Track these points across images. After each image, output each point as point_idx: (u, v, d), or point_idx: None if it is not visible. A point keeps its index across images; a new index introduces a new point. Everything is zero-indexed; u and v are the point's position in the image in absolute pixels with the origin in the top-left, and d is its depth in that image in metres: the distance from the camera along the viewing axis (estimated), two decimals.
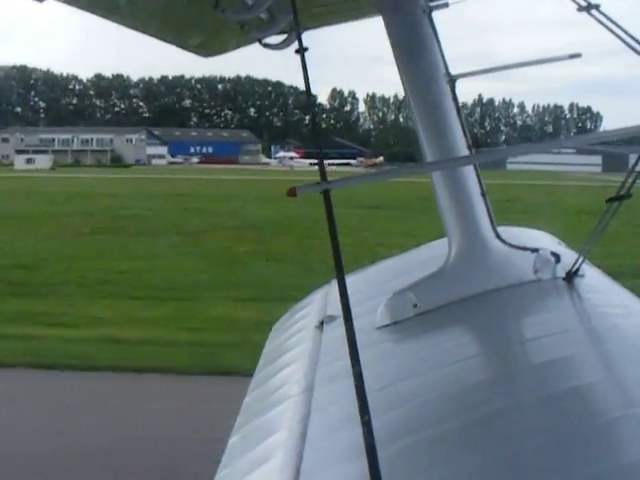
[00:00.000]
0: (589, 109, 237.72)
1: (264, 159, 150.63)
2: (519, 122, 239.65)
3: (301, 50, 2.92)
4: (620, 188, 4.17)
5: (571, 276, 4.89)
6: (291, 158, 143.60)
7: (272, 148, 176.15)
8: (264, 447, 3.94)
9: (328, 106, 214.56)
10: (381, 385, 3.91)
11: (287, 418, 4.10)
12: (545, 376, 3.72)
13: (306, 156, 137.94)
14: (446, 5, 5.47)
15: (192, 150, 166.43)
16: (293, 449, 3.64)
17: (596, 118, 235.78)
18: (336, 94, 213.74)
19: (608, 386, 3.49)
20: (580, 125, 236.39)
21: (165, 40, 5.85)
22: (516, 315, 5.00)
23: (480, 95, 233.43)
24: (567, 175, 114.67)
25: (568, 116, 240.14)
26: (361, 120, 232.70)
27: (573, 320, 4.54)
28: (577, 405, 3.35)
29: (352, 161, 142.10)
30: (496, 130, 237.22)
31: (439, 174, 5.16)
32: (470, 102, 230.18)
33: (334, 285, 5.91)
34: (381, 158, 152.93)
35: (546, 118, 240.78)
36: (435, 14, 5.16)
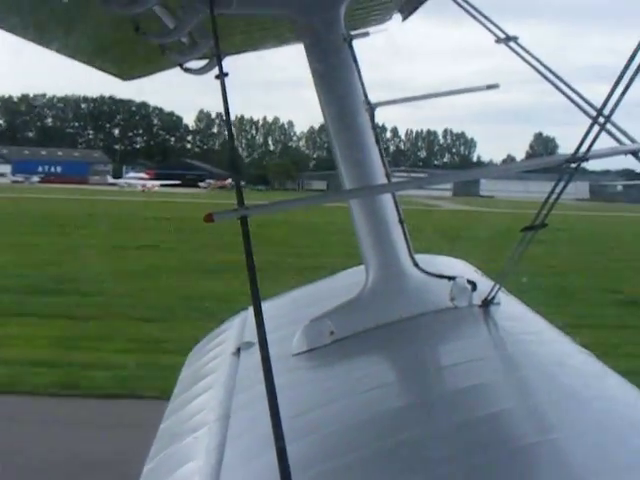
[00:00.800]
0: (463, 134, 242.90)
1: (110, 179, 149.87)
2: (392, 147, 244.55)
3: (221, 75, 2.92)
4: (536, 217, 4.24)
5: (487, 304, 4.94)
6: (141, 179, 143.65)
7: (124, 169, 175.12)
8: (180, 474, 3.88)
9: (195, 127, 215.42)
10: (297, 412, 3.88)
11: (203, 445, 4.04)
12: (460, 403, 3.74)
13: (157, 177, 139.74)
14: (367, 34, 5.52)
15: (40, 169, 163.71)
16: (209, 476, 3.59)
17: (470, 144, 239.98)
18: (203, 116, 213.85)
19: (522, 413, 3.52)
20: (454, 150, 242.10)
21: (83, 62, 5.79)
22: (432, 342, 5.02)
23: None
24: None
25: (442, 141, 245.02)
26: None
27: (488, 347, 4.59)
28: (492, 431, 3.38)
29: (201, 183, 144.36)
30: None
31: (357, 201, 5.18)
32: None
33: (251, 311, 5.89)
34: (230, 180, 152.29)
35: (419, 143, 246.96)
36: (355, 43, 5.20)
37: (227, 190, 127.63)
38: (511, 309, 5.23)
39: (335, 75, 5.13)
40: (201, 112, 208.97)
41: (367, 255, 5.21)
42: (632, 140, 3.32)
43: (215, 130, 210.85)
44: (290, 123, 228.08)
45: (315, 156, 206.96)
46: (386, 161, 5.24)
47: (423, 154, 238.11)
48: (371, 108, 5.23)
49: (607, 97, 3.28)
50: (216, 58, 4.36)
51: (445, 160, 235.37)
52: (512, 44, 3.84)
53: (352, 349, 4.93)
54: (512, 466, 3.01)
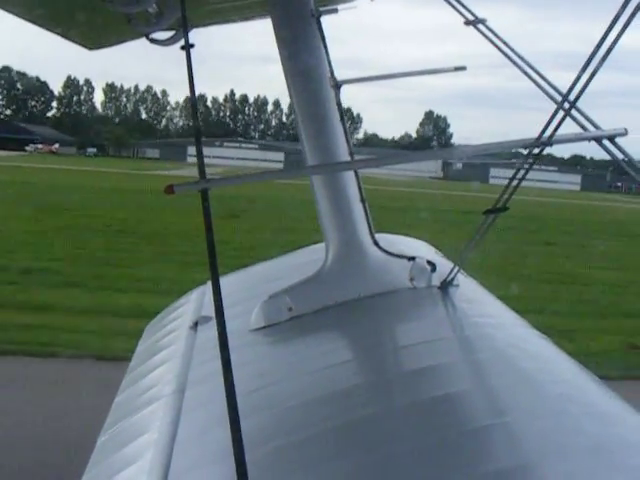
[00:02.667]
0: (349, 110, 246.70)
1: None
2: (274, 120, 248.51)
3: (187, 47, 2.90)
4: (497, 201, 4.25)
5: (446, 285, 4.97)
6: None
7: None
8: (133, 447, 3.87)
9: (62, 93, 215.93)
10: (252, 388, 3.89)
11: (157, 418, 4.04)
12: (415, 383, 3.77)
13: None
14: (335, 11, 5.50)
15: None
16: (162, 450, 3.59)
17: (357, 120, 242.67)
18: (70, 82, 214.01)
19: (476, 395, 3.55)
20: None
21: (49, 29, 5.71)
22: (390, 322, 5.05)
23: (232, 90, 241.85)
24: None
25: None
26: (99, 109, 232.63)
27: (445, 328, 4.61)
28: (446, 412, 3.40)
29: (27, 147, 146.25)
30: (247, 126, 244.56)
31: (319, 178, 5.18)
32: (222, 97, 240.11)
33: (209, 285, 5.88)
34: (57, 145, 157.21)
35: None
36: (323, 19, 5.18)
37: (56, 155, 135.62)
38: (469, 291, 5.27)
39: (302, 51, 5.11)
40: (69, 78, 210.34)
41: (327, 232, 5.21)
42: (596, 127, 3.34)
43: (82, 97, 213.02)
44: (164, 92, 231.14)
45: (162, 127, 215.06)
46: (350, 139, 5.23)
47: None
48: (337, 85, 5.22)
49: (573, 83, 3.30)
50: (182, 29, 4.32)
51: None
52: (480, 26, 3.84)
53: (310, 326, 4.94)
54: (465, 447, 3.04)
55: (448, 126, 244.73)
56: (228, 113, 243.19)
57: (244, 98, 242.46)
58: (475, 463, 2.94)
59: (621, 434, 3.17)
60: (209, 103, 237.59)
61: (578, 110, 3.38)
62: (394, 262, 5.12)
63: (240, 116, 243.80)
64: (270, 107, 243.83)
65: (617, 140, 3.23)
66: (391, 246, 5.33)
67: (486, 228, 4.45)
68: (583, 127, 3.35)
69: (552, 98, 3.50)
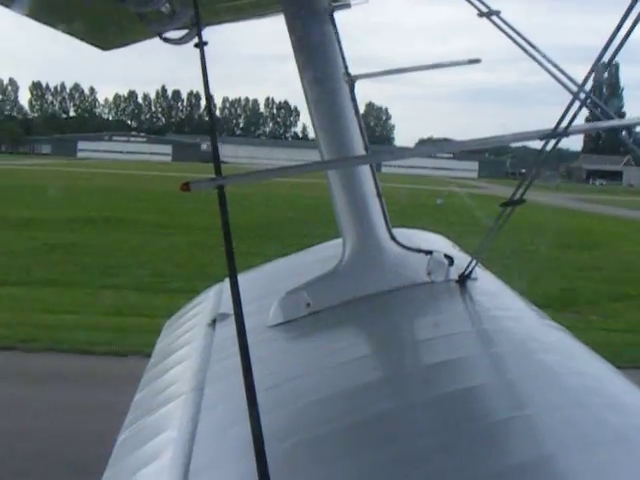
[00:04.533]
0: (286, 103, 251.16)
1: None
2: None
3: (201, 45, 2.89)
4: (514, 193, 4.24)
5: (464, 279, 4.96)
6: None
7: None
8: (153, 445, 3.88)
9: None
10: (271, 384, 3.89)
11: (177, 416, 4.05)
12: (435, 377, 3.76)
13: None
14: (348, 6, 5.49)
15: None
16: (182, 447, 3.60)
17: (293, 112, 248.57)
18: None
19: (496, 388, 3.54)
20: (279, 119, 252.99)
21: (63, 31, 5.73)
22: (408, 316, 5.04)
23: (164, 86, 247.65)
24: None
25: (262, 110, 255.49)
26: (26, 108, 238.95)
27: (464, 322, 4.61)
28: (467, 406, 3.39)
29: None
30: (181, 122, 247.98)
31: (335, 173, 5.17)
32: (185, 95, 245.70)
33: (227, 283, 5.88)
34: None
35: (238, 111, 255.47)
36: (337, 14, 5.18)
37: None
38: (487, 285, 5.26)
39: (316, 46, 5.11)
40: None
41: (344, 228, 5.21)
42: (611, 117, 3.33)
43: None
44: (92, 89, 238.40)
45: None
46: (365, 133, 5.23)
47: (239, 121, 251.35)
48: (351, 80, 5.22)
49: (588, 73, 3.29)
50: (196, 28, 4.33)
51: (267, 129, 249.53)
52: (494, 18, 3.83)
53: (328, 322, 4.94)
54: (486, 441, 3.03)
55: (389, 117, 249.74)
56: (160, 109, 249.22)
57: (176, 94, 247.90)
58: (497, 456, 2.94)
59: None
60: (140, 100, 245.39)
61: (594, 100, 3.37)
62: (411, 256, 5.11)
63: (174, 112, 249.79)
64: (203, 102, 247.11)
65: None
66: (408, 240, 5.32)
67: (503, 221, 4.44)
68: (599, 117, 3.35)
69: (568, 89, 3.48)
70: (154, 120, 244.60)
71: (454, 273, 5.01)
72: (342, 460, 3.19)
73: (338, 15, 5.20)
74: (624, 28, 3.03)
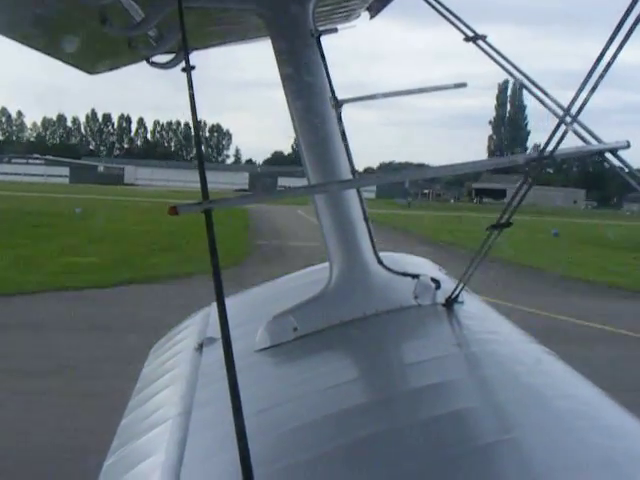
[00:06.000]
0: (219, 126, 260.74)
1: None
2: (139, 141, 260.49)
3: (188, 69, 2.91)
4: (501, 216, 4.25)
5: (450, 302, 4.96)
6: None
7: None
8: (140, 470, 3.86)
9: None
10: (259, 408, 3.88)
11: (164, 441, 4.02)
12: (422, 400, 3.76)
13: None
14: (335, 30, 5.52)
15: None
16: (170, 472, 3.57)
17: (225, 135, 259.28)
18: None
19: (484, 411, 3.54)
20: (212, 141, 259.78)
21: (50, 54, 5.74)
22: (396, 340, 5.04)
23: (93, 109, 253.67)
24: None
25: (181, 131, 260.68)
26: None
27: (451, 345, 4.60)
28: (455, 429, 3.39)
29: None
30: (112, 145, 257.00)
31: (322, 197, 5.18)
32: (83, 118, 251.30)
33: (214, 307, 5.86)
34: None
35: (165, 134, 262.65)
36: (323, 39, 5.20)
37: None
38: (474, 308, 5.26)
39: (302, 70, 5.13)
40: None
41: (331, 252, 5.21)
42: (598, 140, 3.34)
43: None
44: (19, 113, 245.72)
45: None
46: (352, 158, 5.24)
47: (171, 145, 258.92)
48: (338, 104, 5.23)
49: (574, 97, 3.30)
50: (183, 52, 4.35)
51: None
52: (481, 43, 3.85)
53: (315, 346, 4.93)
54: (473, 464, 3.03)
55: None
56: (89, 132, 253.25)
57: (107, 117, 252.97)
58: (484, 479, 2.93)
59: (630, 447, 3.16)
60: (69, 123, 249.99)
61: (580, 124, 3.39)
62: (398, 280, 5.12)
63: (104, 135, 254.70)
64: (134, 125, 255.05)
65: (619, 153, 3.23)
66: (395, 264, 5.32)
67: (490, 244, 4.45)
68: (585, 141, 3.36)
69: (554, 113, 3.50)
70: (83, 144, 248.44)
71: (441, 297, 5.02)
72: None
73: (325, 39, 5.22)
74: (610, 51, 3.06)
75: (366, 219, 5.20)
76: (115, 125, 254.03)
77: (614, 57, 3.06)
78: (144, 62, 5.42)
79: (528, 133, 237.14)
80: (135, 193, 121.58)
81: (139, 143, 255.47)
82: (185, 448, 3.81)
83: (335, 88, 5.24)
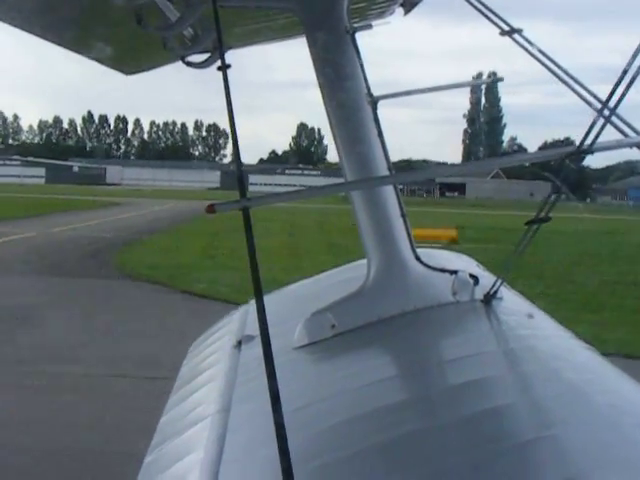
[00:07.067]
0: (216, 126, 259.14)
1: None
2: (136, 141, 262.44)
3: (224, 68, 2.91)
4: (539, 211, 4.23)
5: (489, 298, 4.93)
6: None
7: None
8: (179, 467, 3.88)
9: None
10: (298, 405, 3.89)
11: (203, 438, 4.04)
12: (462, 397, 3.74)
13: None
14: (370, 27, 5.52)
15: None
16: (209, 469, 3.59)
17: (222, 134, 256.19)
18: None
19: (524, 408, 3.52)
20: (212, 141, 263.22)
21: (86, 55, 5.77)
22: (434, 336, 5.03)
23: (90, 111, 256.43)
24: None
25: (191, 133, 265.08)
26: None
27: (490, 342, 4.58)
28: (494, 426, 3.37)
29: None
30: (109, 145, 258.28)
31: (359, 194, 5.18)
32: (79, 120, 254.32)
33: (252, 304, 5.87)
34: None
35: (161, 134, 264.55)
36: (358, 35, 5.20)
37: None
38: (513, 304, 5.23)
39: (338, 68, 5.13)
40: None
41: (369, 248, 5.20)
42: (637, 132, 3.31)
43: None
44: (15, 116, 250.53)
45: None
46: (388, 154, 5.23)
47: (168, 145, 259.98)
48: (374, 101, 5.23)
49: (612, 89, 3.27)
50: (218, 50, 4.36)
51: (197, 152, 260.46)
52: (517, 37, 3.82)
53: (353, 343, 4.93)
54: (514, 462, 3.01)
55: (322, 137, 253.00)
56: (87, 134, 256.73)
57: (104, 118, 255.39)
58: (526, 477, 2.92)
59: None
60: (65, 125, 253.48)
61: (618, 117, 3.36)
62: (436, 276, 5.10)
63: (102, 136, 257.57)
64: (131, 126, 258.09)
65: None
66: (433, 260, 5.31)
67: (528, 239, 4.42)
68: (624, 133, 3.33)
69: (592, 106, 3.47)
70: (80, 145, 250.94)
71: (479, 293, 4.99)
72: None
73: (360, 36, 5.22)
74: None
75: (403, 215, 5.19)
76: (112, 126, 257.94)
77: None
78: (179, 62, 5.45)
79: (504, 126, 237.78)
80: (84, 192, 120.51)
81: (136, 144, 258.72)
82: (224, 445, 3.82)
83: (370, 85, 5.25)
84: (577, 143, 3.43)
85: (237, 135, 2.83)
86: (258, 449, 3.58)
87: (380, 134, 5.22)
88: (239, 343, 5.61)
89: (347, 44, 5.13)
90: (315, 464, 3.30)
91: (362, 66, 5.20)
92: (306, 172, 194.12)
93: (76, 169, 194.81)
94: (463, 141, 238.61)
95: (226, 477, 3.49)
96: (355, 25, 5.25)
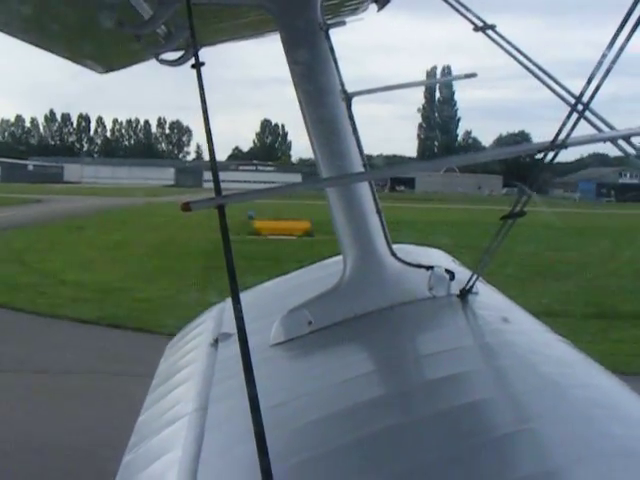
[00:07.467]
0: (179, 123, 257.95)
1: None
2: (99, 140, 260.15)
3: (197, 66, 2.91)
4: (514, 206, 4.24)
5: (465, 293, 4.95)
6: None
7: None
8: (157, 466, 3.87)
9: None
10: (276, 402, 3.89)
11: (181, 437, 4.03)
12: (439, 392, 3.76)
13: None
14: (343, 23, 5.53)
15: None
16: (187, 468, 3.58)
17: (185, 131, 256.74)
18: None
19: (501, 402, 3.54)
20: (176, 138, 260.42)
21: (59, 54, 5.75)
22: (411, 332, 5.04)
23: (52, 110, 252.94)
24: None
25: (154, 130, 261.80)
26: None
27: (467, 336, 4.60)
28: (472, 421, 3.39)
29: None
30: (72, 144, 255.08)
31: (334, 191, 5.18)
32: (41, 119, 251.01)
33: (229, 302, 5.86)
34: None
35: (124, 132, 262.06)
36: (332, 32, 5.20)
37: None
38: (489, 298, 5.26)
39: (312, 64, 5.13)
40: None
41: (345, 245, 5.21)
42: (611, 127, 3.33)
43: None
44: None
45: None
46: (363, 151, 5.24)
47: (131, 143, 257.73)
48: (348, 98, 5.24)
49: (586, 84, 3.29)
50: (192, 48, 4.35)
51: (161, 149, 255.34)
52: (490, 32, 3.84)
53: (330, 339, 4.93)
54: (491, 455, 3.03)
55: (287, 133, 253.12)
56: (49, 132, 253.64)
57: (66, 117, 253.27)
58: (503, 470, 2.93)
59: None
60: (27, 124, 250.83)
61: (592, 112, 3.38)
62: (412, 272, 5.11)
63: (65, 135, 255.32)
64: (93, 124, 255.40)
65: (632, 140, 3.22)
66: (409, 256, 5.32)
67: (504, 234, 4.44)
68: (598, 128, 3.35)
69: (565, 101, 3.49)
70: (44, 144, 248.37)
71: (455, 288, 5.01)
72: (348, 477, 3.18)
73: (333, 33, 5.22)
74: (620, 38, 3.05)
75: (379, 211, 5.20)
76: (74, 125, 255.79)
77: (625, 44, 3.05)
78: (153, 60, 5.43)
79: (458, 120, 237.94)
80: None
81: (99, 142, 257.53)
82: (202, 444, 3.81)
83: (344, 81, 5.25)
84: (550, 138, 3.45)
85: (212, 133, 2.82)
86: (236, 447, 3.58)
87: (355, 130, 5.22)
88: (216, 341, 5.60)
89: (321, 41, 5.13)
90: (294, 461, 3.31)
91: (336, 62, 5.19)
92: (260, 168, 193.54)
93: (31, 168, 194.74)
94: (418, 136, 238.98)
95: (204, 475, 3.49)
96: (329, 22, 5.25)
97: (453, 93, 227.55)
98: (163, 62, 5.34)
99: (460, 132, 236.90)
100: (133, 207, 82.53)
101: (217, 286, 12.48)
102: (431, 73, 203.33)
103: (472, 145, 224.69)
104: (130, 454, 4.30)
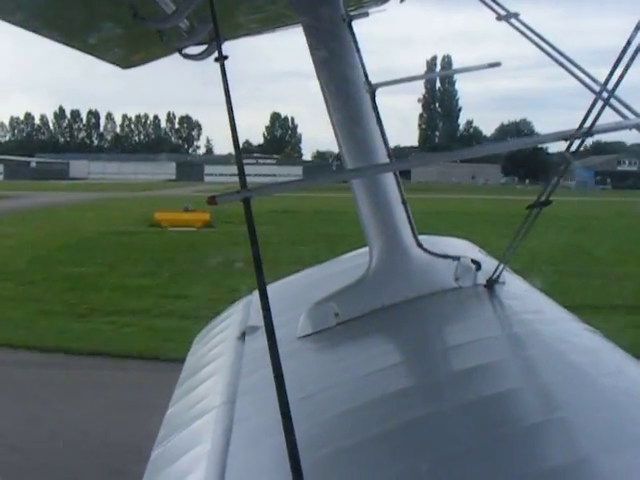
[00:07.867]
0: (188, 117, 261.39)
1: None
2: (109, 135, 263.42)
3: (221, 59, 2.90)
4: (540, 195, 4.22)
5: (491, 283, 4.94)
6: None
7: None
8: (187, 459, 3.88)
9: None
10: (303, 395, 3.89)
11: (209, 430, 4.05)
12: (467, 382, 3.75)
13: None
14: (366, 14, 5.50)
15: None
16: (216, 461, 3.60)
17: (195, 126, 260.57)
18: None
19: (529, 391, 3.52)
20: (186, 133, 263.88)
21: (82, 50, 5.76)
22: (437, 322, 5.03)
23: (61, 106, 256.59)
24: None
25: (163, 125, 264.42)
26: None
27: (494, 327, 4.59)
28: (499, 411, 3.38)
29: None
30: (83, 140, 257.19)
31: (360, 182, 5.17)
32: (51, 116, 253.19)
33: (256, 295, 5.87)
34: None
35: (133, 127, 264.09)
36: (355, 23, 5.19)
37: None
38: (516, 288, 5.23)
39: (335, 56, 5.12)
40: None
41: (371, 236, 5.20)
42: (636, 114, 3.30)
43: None
44: None
45: None
46: (387, 141, 5.22)
47: (140, 138, 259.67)
48: (372, 88, 5.22)
49: (610, 71, 3.27)
50: (215, 42, 4.34)
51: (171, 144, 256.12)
52: (513, 21, 3.81)
53: (357, 331, 4.93)
54: (520, 445, 3.02)
55: (296, 126, 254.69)
56: (59, 129, 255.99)
57: (76, 113, 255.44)
58: (533, 460, 2.92)
59: None
60: (37, 121, 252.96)
61: (617, 99, 3.35)
62: (439, 263, 5.10)
63: (75, 131, 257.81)
64: (103, 120, 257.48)
65: None
66: (435, 247, 5.31)
67: (530, 223, 4.42)
68: (623, 115, 3.32)
69: (590, 88, 3.46)
70: (54, 141, 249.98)
71: (482, 278, 4.99)
72: (376, 468, 3.18)
73: (356, 24, 5.21)
74: None
75: (404, 202, 5.19)
76: (84, 121, 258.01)
77: None
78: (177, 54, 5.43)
79: (459, 110, 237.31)
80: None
81: (109, 138, 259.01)
82: (231, 437, 3.83)
83: (368, 72, 5.23)
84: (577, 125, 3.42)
85: (236, 126, 2.82)
86: (265, 439, 3.59)
87: (379, 121, 5.21)
88: (243, 334, 5.61)
89: (344, 32, 5.12)
90: (322, 452, 3.31)
91: (359, 54, 5.18)
92: (261, 161, 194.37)
93: (34, 165, 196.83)
94: (419, 126, 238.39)
95: (233, 468, 3.50)
96: (351, 13, 5.24)
97: (454, 82, 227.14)
98: (186, 56, 5.34)
99: (461, 122, 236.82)
100: (98, 202, 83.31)
101: None
102: (431, 63, 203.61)
103: (473, 135, 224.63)
104: (159, 448, 4.32)
